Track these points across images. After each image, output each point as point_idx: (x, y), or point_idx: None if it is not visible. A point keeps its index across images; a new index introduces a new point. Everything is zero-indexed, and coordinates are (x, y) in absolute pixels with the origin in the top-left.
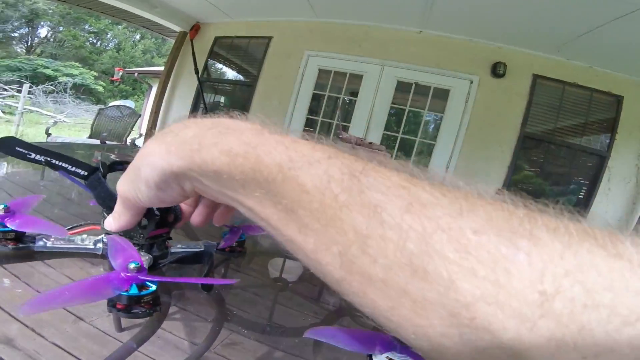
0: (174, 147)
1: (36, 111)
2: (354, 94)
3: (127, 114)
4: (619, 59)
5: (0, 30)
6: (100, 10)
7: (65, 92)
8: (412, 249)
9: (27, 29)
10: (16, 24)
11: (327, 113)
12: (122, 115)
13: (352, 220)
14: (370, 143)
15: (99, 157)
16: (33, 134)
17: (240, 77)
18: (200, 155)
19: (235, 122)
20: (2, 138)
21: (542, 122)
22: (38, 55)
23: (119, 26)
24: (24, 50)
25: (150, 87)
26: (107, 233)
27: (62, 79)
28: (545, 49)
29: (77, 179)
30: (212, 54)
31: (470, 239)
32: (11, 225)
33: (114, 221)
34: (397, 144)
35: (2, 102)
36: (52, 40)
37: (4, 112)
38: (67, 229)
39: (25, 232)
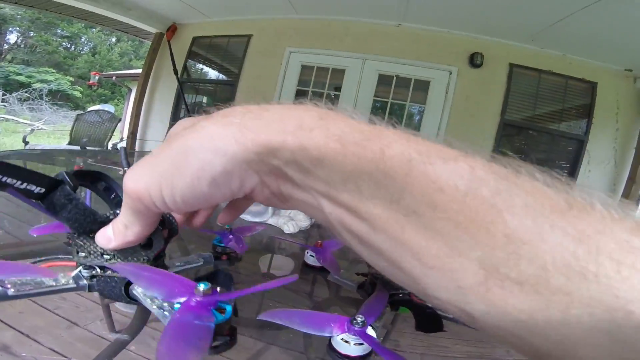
0: (253, 130)
1: (12, 119)
2: (338, 88)
3: (107, 119)
4: (590, 47)
5: None
6: (71, 14)
7: (42, 98)
8: (576, 252)
9: None
10: None
11: None
12: (102, 120)
13: (505, 224)
14: None
15: (81, 164)
16: (10, 143)
17: (222, 77)
18: (298, 140)
19: (324, 108)
20: None
21: (521, 109)
22: (9, 62)
23: (93, 30)
24: None
25: (130, 90)
26: (87, 264)
27: (37, 85)
28: (520, 38)
29: (31, 200)
30: (191, 54)
31: (625, 238)
32: None
33: (117, 235)
34: None
35: None
36: (22, 46)
37: None
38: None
39: None
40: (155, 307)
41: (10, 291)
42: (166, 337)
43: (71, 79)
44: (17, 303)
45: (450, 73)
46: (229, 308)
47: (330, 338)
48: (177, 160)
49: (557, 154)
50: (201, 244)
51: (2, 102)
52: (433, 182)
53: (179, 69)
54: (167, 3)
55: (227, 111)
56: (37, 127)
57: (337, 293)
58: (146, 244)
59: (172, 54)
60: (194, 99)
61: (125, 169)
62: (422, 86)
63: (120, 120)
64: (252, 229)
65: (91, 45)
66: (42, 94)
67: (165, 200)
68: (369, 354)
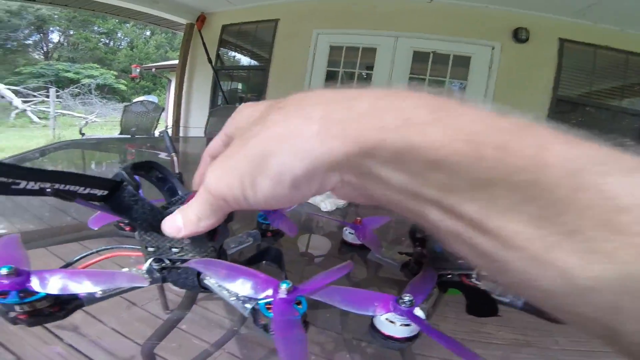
0: (340, 125)
1: (68, 114)
2: (370, 67)
3: (152, 109)
4: None
5: (14, 39)
6: (104, 10)
7: (91, 93)
8: None
9: (38, 35)
10: (26, 31)
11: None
12: (147, 110)
13: None
14: None
15: (134, 151)
16: (69, 136)
17: (254, 62)
18: (405, 138)
19: (436, 96)
20: None
21: (575, 85)
22: (57, 60)
23: (127, 25)
24: (42, 57)
25: (170, 80)
26: (156, 256)
27: (85, 80)
28: (568, 13)
29: (94, 203)
30: (222, 42)
31: None
32: (41, 288)
33: (188, 225)
34: None
35: (35, 108)
36: (65, 44)
37: (39, 118)
38: (71, 263)
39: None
40: (232, 298)
41: (99, 294)
42: (281, 344)
43: (115, 72)
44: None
45: (493, 48)
46: (304, 301)
47: (372, 318)
48: (256, 163)
49: (620, 131)
50: (244, 223)
51: (57, 98)
52: (608, 199)
53: (212, 57)
54: None
55: (304, 99)
56: (90, 119)
57: (377, 273)
58: (209, 232)
59: (204, 44)
60: (229, 86)
61: (172, 153)
62: (463, 62)
63: (163, 109)
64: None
65: (128, 40)
66: (91, 89)
67: (248, 200)
68: (415, 336)
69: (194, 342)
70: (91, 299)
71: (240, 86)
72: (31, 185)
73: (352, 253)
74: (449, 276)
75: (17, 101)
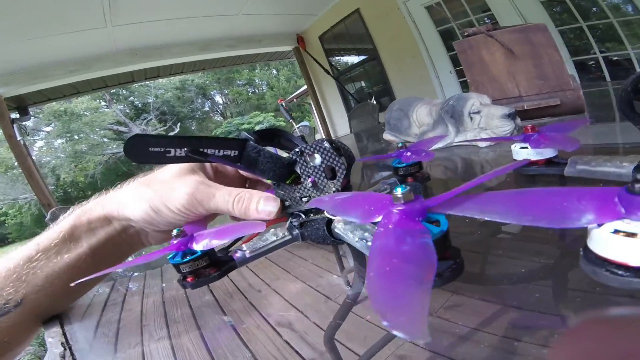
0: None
1: None
2: (487, 10)
3: (308, 132)
4: None
5: (197, 109)
6: (228, 64)
7: None
8: None
9: (207, 101)
10: (199, 100)
11: None
12: (305, 134)
13: None
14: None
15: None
16: None
17: (362, 57)
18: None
19: None
20: (130, 139)
21: None
22: (231, 117)
23: (256, 70)
24: (221, 117)
25: (310, 104)
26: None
27: (258, 127)
28: None
29: (229, 162)
30: (327, 52)
31: None
32: (199, 246)
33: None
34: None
35: None
36: (228, 102)
37: None
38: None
39: (214, 250)
40: (357, 240)
41: (247, 254)
42: (373, 274)
43: (272, 113)
44: (298, 285)
45: None
46: (443, 219)
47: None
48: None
49: None
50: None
51: None
52: None
53: (328, 68)
54: (279, 21)
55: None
56: None
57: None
58: (331, 176)
59: (314, 59)
60: (354, 87)
61: (290, 119)
62: None
63: (314, 128)
64: (433, 141)
65: (265, 83)
66: None
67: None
68: None
69: (378, 331)
70: (242, 260)
71: (363, 83)
72: (178, 152)
73: (535, 174)
74: None
75: None
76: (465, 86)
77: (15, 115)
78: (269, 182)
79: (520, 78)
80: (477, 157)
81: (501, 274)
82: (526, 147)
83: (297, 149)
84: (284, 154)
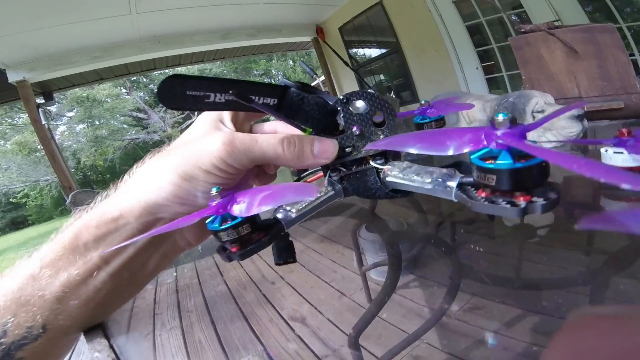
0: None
1: None
2: (517, 7)
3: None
4: None
5: None
6: (248, 53)
7: None
8: None
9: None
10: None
11: (499, 38)
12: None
13: None
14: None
15: None
16: None
17: (384, 50)
18: None
19: None
20: (166, 80)
21: None
22: None
23: (273, 60)
24: None
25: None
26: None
27: None
28: None
29: (270, 111)
30: (346, 44)
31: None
32: (239, 211)
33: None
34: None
35: None
36: None
37: None
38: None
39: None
40: (427, 181)
41: (293, 214)
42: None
43: None
44: (310, 279)
45: None
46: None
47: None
48: None
49: None
50: None
51: None
52: None
53: (347, 60)
54: (299, 11)
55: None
56: None
57: None
58: (380, 122)
59: (334, 51)
60: (373, 80)
61: (314, 75)
62: None
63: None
64: (454, 99)
65: (281, 73)
66: None
67: None
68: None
69: (393, 330)
70: (289, 221)
71: (382, 76)
72: (219, 97)
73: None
74: None
75: None
76: (492, 84)
77: (40, 100)
78: (307, 133)
79: (582, 78)
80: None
81: (522, 278)
82: (621, 152)
83: (341, 96)
84: None
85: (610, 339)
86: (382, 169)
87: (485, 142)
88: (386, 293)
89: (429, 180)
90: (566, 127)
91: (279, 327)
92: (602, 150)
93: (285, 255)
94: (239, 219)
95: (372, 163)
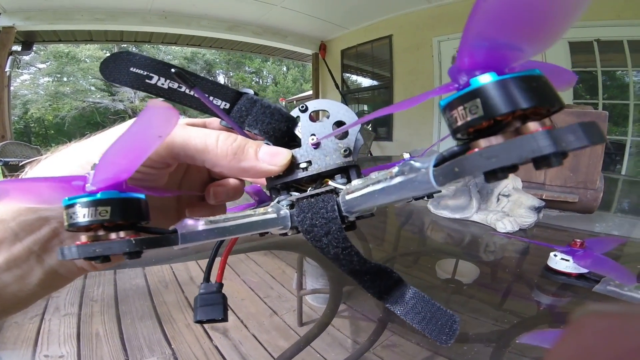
0: None
1: None
2: None
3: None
4: None
5: None
6: (250, 50)
7: None
8: None
9: (210, 77)
10: (202, 74)
11: None
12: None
13: None
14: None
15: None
16: None
17: (375, 82)
18: None
19: None
20: (115, 54)
21: None
22: None
23: (268, 62)
24: None
25: None
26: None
27: None
28: None
29: (219, 112)
30: (344, 67)
31: None
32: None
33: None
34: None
35: None
36: (229, 84)
37: None
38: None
39: (137, 201)
40: (393, 179)
41: (200, 225)
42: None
43: None
44: (243, 291)
45: None
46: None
47: None
48: None
49: None
50: None
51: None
52: None
53: (338, 82)
54: (311, 24)
55: None
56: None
57: None
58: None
59: (329, 70)
60: (357, 108)
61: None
62: None
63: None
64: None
65: (272, 77)
66: None
67: None
68: None
69: (317, 358)
70: (188, 234)
71: (366, 107)
72: (162, 81)
73: (563, 283)
74: None
75: None
76: None
77: (17, 47)
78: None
79: None
80: (489, 240)
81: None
82: (567, 260)
83: (301, 105)
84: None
85: (615, 338)
86: (342, 189)
87: (455, 84)
88: (320, 328)
89: (396, 171)
90: (524, 216)
91: (195, 334)
92: (552, 254)
93: (211, 311)
94: (96, 196)
95: (331, 183)
